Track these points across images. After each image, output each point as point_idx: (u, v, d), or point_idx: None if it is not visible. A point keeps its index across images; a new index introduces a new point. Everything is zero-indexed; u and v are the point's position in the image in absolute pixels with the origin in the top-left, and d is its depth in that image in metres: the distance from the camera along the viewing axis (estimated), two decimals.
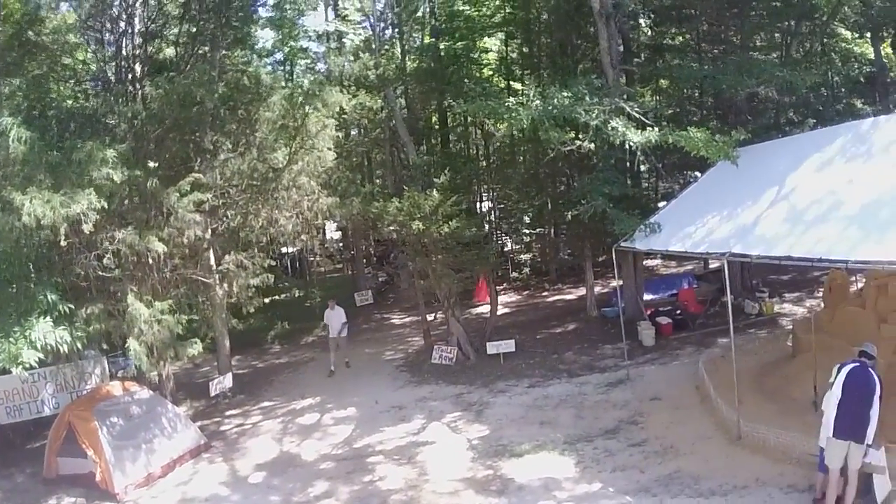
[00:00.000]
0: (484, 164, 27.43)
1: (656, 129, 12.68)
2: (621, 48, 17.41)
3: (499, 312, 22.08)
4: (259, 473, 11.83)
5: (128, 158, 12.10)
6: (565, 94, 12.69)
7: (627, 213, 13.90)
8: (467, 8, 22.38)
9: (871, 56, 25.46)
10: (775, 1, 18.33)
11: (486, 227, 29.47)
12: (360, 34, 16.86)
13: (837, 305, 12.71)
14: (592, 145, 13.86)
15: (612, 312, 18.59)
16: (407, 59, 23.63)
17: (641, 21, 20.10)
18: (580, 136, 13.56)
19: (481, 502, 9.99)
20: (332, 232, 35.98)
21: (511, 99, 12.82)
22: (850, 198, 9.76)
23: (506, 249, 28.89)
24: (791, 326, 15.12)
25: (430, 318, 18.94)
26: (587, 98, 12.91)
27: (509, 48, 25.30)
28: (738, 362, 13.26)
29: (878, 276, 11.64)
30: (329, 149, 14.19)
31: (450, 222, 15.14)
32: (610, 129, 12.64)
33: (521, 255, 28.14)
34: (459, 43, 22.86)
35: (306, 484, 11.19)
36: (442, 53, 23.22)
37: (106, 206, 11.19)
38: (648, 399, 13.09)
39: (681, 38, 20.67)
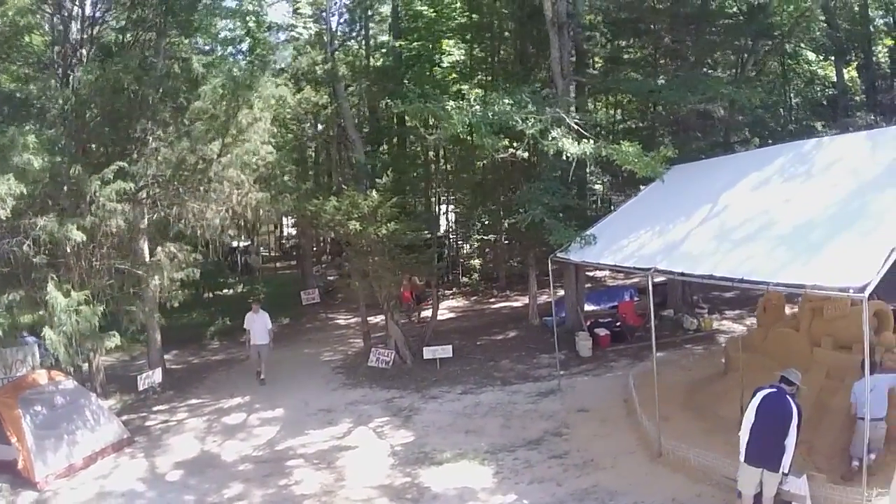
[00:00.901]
0: (436, 167, 27.28)
1: (591, 141, 12.57)
2: (574, 59, 17.36)
3: (444, 317, 22.02)
4: (177, 472, 11.56)
5: (54, 144, 11.81)
6: (507, 101, 12.57)
7: (565, 225, 13.78)
8: (425, 9, 22.18)
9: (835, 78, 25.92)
10: (731, 18, 18.45)
11: (444, 231, 29.53)
12: (310, 28, 16.56)
13: (771, 326, 12.74)
14: (527, 154, 13.79)
15: (551, 322, 18.55)
16: (371, 57, 23.53)
17: (597, 33, 20.12)
18: (515, 144, 13.41)
19: None
20: (289, 228, 35.82)
21: (451, 103, 12.66)
22: (783, 218, 9.74)
23: (459, 254, 28.84)
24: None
25: (374, 319, 18.71)
26: (529, 106, 12.80)
27: (468, 52, 25.18)
28: (669, 377, 13.40)
29: (813, 298, 11.65)
30: (264, 143, 13.88)
31: (388, 224, 14.93)
32: (549, 139, 12.55)
33: (472, 261, 28.01)
34: (416, 43, 22.65)
35: (222, 485, 10.92)
36: (403, 53, 23.11)
37: (25, 192, 10.90)
38: (576, 410, 13.00)
39: (638, 52, 20.68)
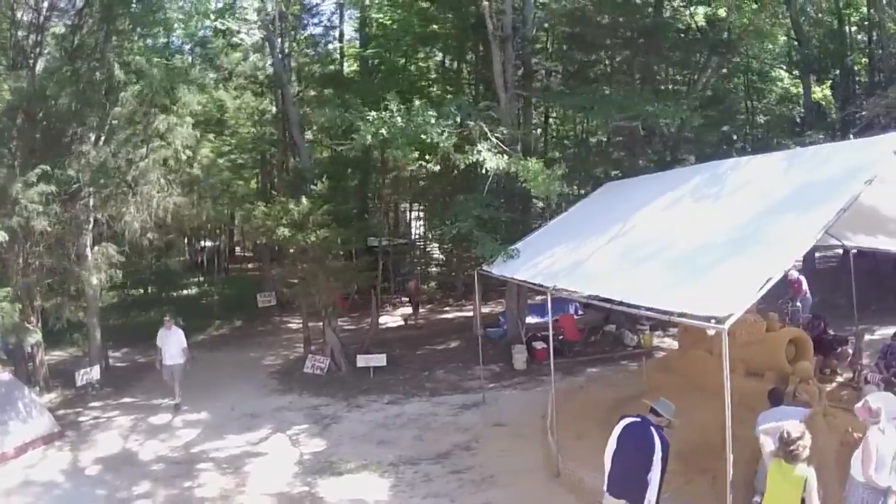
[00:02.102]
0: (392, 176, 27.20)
1: (505, 157, 12.51)
2: (522, 72, 17.33)
3: (396, 325, 22.01)
4: (96, 467, 11.80)
5: None
6: (431, 113, 12.54)
7: (492, 238, 13.71)
8: (381, 16, 22.15)
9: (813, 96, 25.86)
10: (682, 34, 18.41)
11: (412, 238, 29.53)
12: (254, 34, 16.60)
13: (690, 347, 12.63)
14: (438, 167, 13.81)
15: (495, 333, 18.52)
16: (332, 64, 23.51)
17: (548, 47, 20.14)
18: (427, 156, 13.42)
19: None
20: None
21: (373, 114, 12.63)
22: (681, 240, 9.53)
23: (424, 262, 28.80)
24: None
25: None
26: (457, 119, 12.79)
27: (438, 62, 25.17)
28: (596, 394, 13.31)
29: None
30: (187, 147, 13.94)
31: (318, 232, 14.88)
32: (474, 152, 12.54)
33: (431, 269, 27.94)
34: (372, 51, 22.66)
35: (133, 482, 11.08)
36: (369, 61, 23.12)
37: None
38: (493, 424, 12.90)
39: (586, 66, 20.59)
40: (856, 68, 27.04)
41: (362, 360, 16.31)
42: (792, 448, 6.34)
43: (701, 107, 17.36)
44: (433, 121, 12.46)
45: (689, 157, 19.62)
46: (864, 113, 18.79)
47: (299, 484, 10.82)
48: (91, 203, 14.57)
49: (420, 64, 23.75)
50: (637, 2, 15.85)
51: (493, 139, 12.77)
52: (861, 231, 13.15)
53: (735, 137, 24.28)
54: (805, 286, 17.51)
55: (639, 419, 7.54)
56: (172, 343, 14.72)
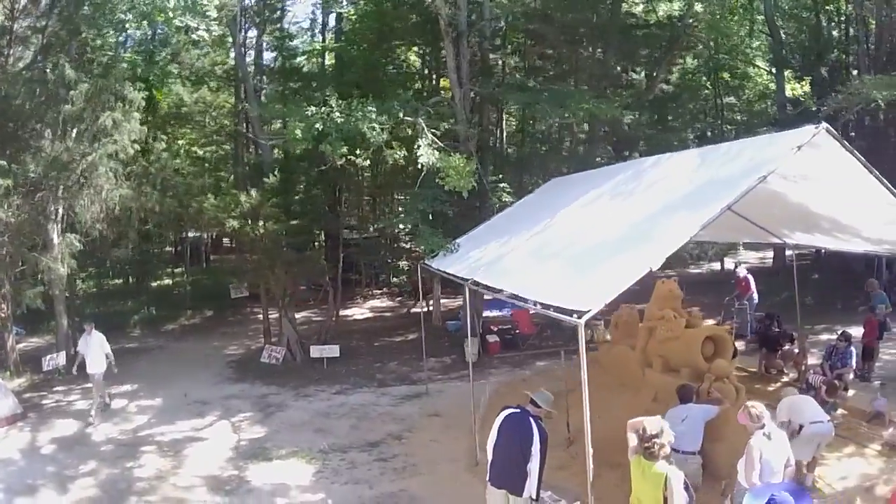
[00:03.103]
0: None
1: (437, 152, 12.68)
2: (479, 67, 17.49)
3: (361, 317, 22.29)
4: (51, 446, 12.33)
5: None
6: (371, 108, 12.73)
7: (434, 232, 13.90)
8: (348, 11, 22.31)
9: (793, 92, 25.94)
10: (639, 30, 18.51)
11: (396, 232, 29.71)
12: (214, 30, 16.82)
13: (617, 342, 12.78)
14: (368, 162, 13.99)
15: (453, 326, 18.72)
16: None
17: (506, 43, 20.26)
18: (358, 152, 13.62)
19: (206, 499, 10.11)
20: None
21: (312, 108, 12.84)
22: (587, 237, 9.66)
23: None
24: None
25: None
26: (401, 115, 12.99)
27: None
28: (536, 387, 13.43)
29: (651, 318, 11.68)
30: (134, 141, 14.33)
31: (266, 224, 15.14)
32: (416, 147, 12.74)
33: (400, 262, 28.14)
34: (335, 45, 22.82)
35: (82, 461, 11.58)
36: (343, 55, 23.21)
37: None
38: (429, 415, 13.17)
39: (544, 62, 20.75)
40: (836, 63, 26.98)
41: (316, 351, 16.62)
42: (648, 445, 6.33)
43: (657, 104, 17.52)
44: (374, 116, 12.66)
45: (635, 154, 19.69)
46: (823, 108, 18.72)
47: (230, 468, 11.13)
48: (52, 196, 14.97)
49: (387, 59, 23.82)
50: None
51: (430, 135, 12.90)
52: (798, 229, 13.22)
53: (710, 134, 24.47)
54: (752, 285, 17.62)
55: (518, 410, 7.66)
56: (94, 349, 14.08)
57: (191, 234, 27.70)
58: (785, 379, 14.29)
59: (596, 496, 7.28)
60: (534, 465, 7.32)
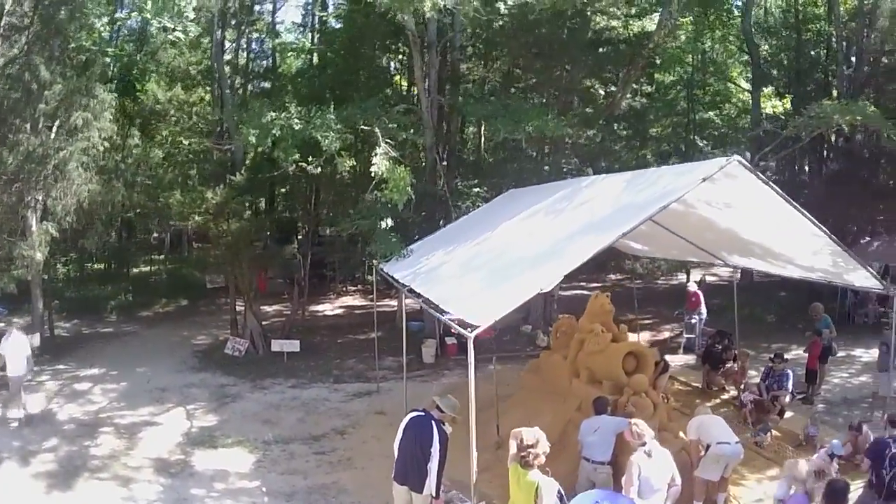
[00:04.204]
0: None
1: (388, 162, 13.14)
2: (449, 76, 17.92)
3: (332, 313, 22.80)
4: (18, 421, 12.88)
5: None
6: (331, 116, 13.19)
7: (392, 237, 14.28)
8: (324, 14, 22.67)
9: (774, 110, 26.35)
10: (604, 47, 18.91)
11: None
12: (191, 31, 17.27)
13: (557, 351, 13.18)
14: (319, 169, 14.40)
15: (416, 326, 19.14)
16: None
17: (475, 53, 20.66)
18: (310, 159, 14.07)
19: (151, 479, 10.73)
20: None
21: (272, 114, 13.30)
22: (511, 252, 10.09)
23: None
24: None
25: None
26: (359, 122, 13.41)
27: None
28: (485, 390, 13.93)
29: (582, 329, 12.13)
30: (105, 139, 14.95)
31: (230, 221, 15.65)
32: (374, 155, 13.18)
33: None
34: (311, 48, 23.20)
35: (44, 438, 12.32)
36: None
37: None
38: (375, 412, 13.68)
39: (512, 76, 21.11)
40: (818, 82, 27.43)
41: (277, 346, 17.14)
42: (524, 454, 6.67)
43: (627, 119, 17.93)
44: (332, 124, 13.12)
45: (585, 170, 20.13)
46: (782, 132, 19.16)
47: (178, 452, 11.76)
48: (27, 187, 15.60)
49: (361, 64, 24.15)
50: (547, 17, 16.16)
51: (384, 145, 13.36)
52: (734, 252, 13.72)
53: (683, 149, 24.94)
54: (702, 300, 18.07)
55: (423, 413, 8.15)
56: (15, 351, 13.15)
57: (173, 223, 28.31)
58: (725, 396, 14.74)
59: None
60: (433, 465, 7.78)
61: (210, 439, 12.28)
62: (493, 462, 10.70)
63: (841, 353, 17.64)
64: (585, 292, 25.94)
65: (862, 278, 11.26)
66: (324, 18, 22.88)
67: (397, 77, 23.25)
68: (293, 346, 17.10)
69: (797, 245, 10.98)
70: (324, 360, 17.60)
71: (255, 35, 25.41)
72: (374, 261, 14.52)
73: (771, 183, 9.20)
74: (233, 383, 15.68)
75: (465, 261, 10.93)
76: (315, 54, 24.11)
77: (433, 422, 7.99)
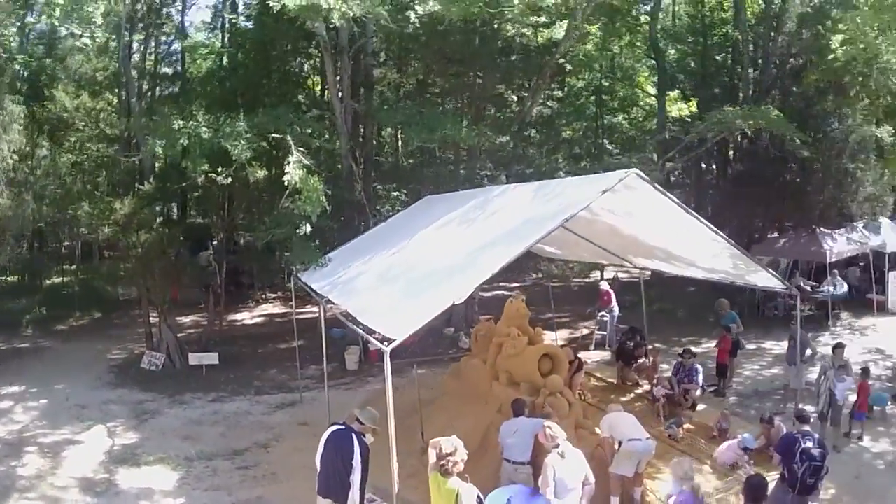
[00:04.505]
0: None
1: (302, 170, 13.21)
2: (362, 82, 18.02)
3: (250, 322, 22.70)
4: None
5: None
6: (240, 124, 13.13)
7: (309, 245, 14.31)
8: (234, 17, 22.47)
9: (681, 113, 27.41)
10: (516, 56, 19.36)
11: None
12: (98, 37, 16.96)
13: (477, 355, 13.50)
14: (230, 179, 14.37)
15: (338, 333, 19.16)
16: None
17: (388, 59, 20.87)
18: (220, 169, 14.03)
19: (78, 499, 10.66)
20: None
21: (179, 122, 13.18)
22: (425, 262, 10.25)
23: None
24: None
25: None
26: (269, 130, 13.35)
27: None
28: (406, 395, 14.08)
29: (499, 333, 12.49)
30: (14, 151, 14.63)
31: (138, 232, 15.42)
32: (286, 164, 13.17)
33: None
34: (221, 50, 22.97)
35: None
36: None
37: None
38: (298, 424, 13.69)
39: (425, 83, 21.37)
40: (726, 85, 28.63)
41: (194, 359, 16.90)
42: (443, 463, 6.89)
43: (538, 125, 18.41)
44: (242, 132, 13.06)
45: (499, 176, 20.65)
46: (686, 137, 20.06)
47: (102, 471, 11.66)
48: None
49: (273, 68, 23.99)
50: (459, 26, 16.45)
51: (296, 153, 13.37)
52: (640, 255, 14.38)
53: (594, 151, 25.75)
54: (613, 298, 18.80)
55: (343, 426, 8.30)
56: None
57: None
58: (639, 391, 15.35)
59: None
60: (356, 477, 7.96)
61: (133, 457, 12.18)
62: (419, 468, 10.86)
63: (752, 346, 18.72)
64: (506, 292, 26.55)
65: (764, 279, 11.88)
66: (233, 20, 22.52)
67: (310, 80, 23.08)
68: (211, 358, 16.89)
69: (698, 249, 11.56)
70: (244, 372, 17.45)
71: (164, 38, 25.03)
72: (293, 269, 14.48)
73: (668, 193, 9.69)
74: (151, 399, 15.43)
75: (382, 271, 11.07)
76: (225, 56, 23.83)
77: (353, 434, 8.14)
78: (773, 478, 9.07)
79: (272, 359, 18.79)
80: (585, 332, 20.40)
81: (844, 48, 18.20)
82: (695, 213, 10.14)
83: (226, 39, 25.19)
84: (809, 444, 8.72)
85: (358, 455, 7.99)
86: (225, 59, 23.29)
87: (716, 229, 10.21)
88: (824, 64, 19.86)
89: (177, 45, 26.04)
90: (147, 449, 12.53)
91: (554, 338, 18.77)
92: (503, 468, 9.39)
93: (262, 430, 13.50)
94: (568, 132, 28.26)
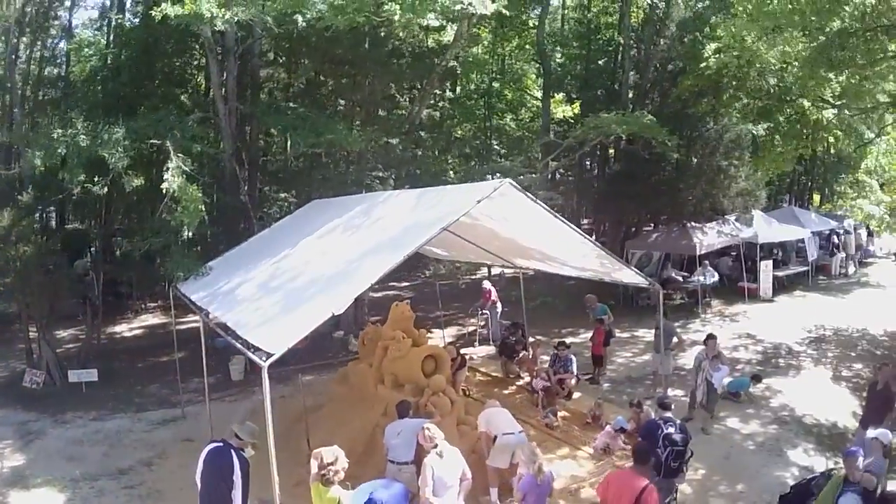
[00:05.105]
0: None
1: (180, 177, 13.03)
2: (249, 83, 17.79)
3: (129, 334, 22.11)
4: None
5: None
6: (118, 130, 12.79)
7: (186, 255, 14.06)
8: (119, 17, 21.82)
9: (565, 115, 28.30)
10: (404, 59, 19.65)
11: None
12: None
13: (364, 360, 13.69)
14: (105, 189, 14.05)
15: (221, 343, 18.78)
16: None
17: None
18: (96, 178, 13.71)
19: None
20: None
21: (59, 131, 12.76)
22: (307, 272, 10.34)
23: None
24: None
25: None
26: (148, 135, 13.06)
27: None
28: (291, 404, 14.12)
29: (385, 336, 12.73)
30: None
31: (17, 246, 14.82)
32: (166, 170, 12.92)
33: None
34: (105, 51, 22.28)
35: None
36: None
37: None
38: (182, 440, 13.45)
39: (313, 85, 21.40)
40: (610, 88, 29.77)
41: (74, 376, 16.27)
42: (324, 472, 7.15)
43: (422, 128, 18.67)
44: (120, 138, 12.73)
45: (387, 179, 20.98)
46: (563, 142, 20.88)
47: None
48: None
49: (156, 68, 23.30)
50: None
51: (175, 160, 13.13)
52: (519, 257, 15.01)
53: (483, 152, 26.35)
54: (494, 296, 19.49)
55: (221, 443, 8.29)
56: None
57: None
58: (521, 383, 16.02)
59: None
60: (237, 493, 8.00)
61: (22, 479, 11.81)
62: (306, 476, 10.97)
63: (625, 335, 19.78)
64: (396, 292, 26.86)
65: (629, 275, 12.69)
66: (119, 20, 21.75)
67: (195, 80, 22.51)
68: (91, 375, 16.28)
69: (568, 250, 12.21)
70: (124, 388, 16.91)
71: (50, 40, 23.93)
72: (172, 279, 14.21)
73: (538, 200, 10.31)
74: (35, 419, 14.79)
75: (264, 281, 11.04)
76: (109, 56, 23.05)
77: (232, 450, 8.15)
78: None
79: (153, 373, 18.21)
80: (472, 328, 20.90)
81: (717, 56, 19.39)
82: (563, 219, 10.83)
83: (111, 39, 24.31)
84: (671, 430, 9.40)
85: (238, 470, 8.02)
86: (109, 59, 22.49)
87: (582, 232, 10.88)
88: (698, 70, 20.97)
89: (63, 45, 24.96)
90: (34, 471, 12.13)
91: (442, 335, 19.27)
92: (388, 469, 9.61)
93: (145, 448, 13.19)
94: (459, 133, 28.77)
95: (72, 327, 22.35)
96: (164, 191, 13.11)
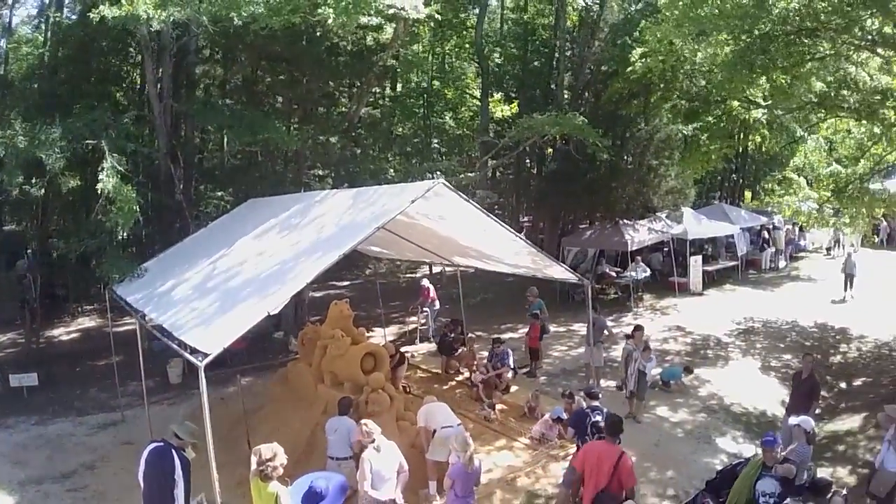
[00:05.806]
0: None
1: (114, 178, 12.98)
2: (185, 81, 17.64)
3: (67, 338, 21.65)
4: None
5: None
6: (55, 130, 12.68)
7: (122, 256, 13.94)
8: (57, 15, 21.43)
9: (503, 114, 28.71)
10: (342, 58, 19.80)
11: None
12: None
13: (303, 359, 13.78)
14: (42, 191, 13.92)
15: (159, 345, 18.59)
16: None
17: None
18: (34, 179, 13.58)
19: None
20: None
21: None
22: (243, 272, 10.38)
23: None
24: None
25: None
26: (84, 135, 12.94)
27: None
28: (230, 407, 14.08)
29: (324, 335, 12.86)
30: None
31: None
32: (102, 169, 12.82)
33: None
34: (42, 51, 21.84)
35: None
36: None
37: None
38: (122, 443, 13.40)
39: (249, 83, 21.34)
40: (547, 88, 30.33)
41: (15, 380, 16.00)
42: (262, 468, 7.23)
43: (361, 127, 18.75)
44: (58, 139, 12.60)
45: (326, 179, 21.09)
46: (500, 141, 21.32)
47: None
48: None
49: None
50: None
51: (111, 160, 13.06)
52: (456, 255, 15.34)
53: (422, 149, 26.59)
54: (433, 293, 19.85)
55: (162, 443, 8.37)
56: None
57: None
58: (460, 378, 16.40)
59: None
60: (179, 492, 8.12)
61: None
62: (246, 476, 11.08)
63: (561, 329, 20.29)
64: (336, 291, 26.91)
65: (559, 272, 13.14)
66: (56, 18, 21.30)
67: (131, 78, 22.20)
68: (31, 379, 16.02)
69: (502, 247, 12.59)
70: (64, 392, 16.69)
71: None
72: (108, 281, 14.09)
73: (471, 200, 10.65)
74: None
75: (200, 282, 11.08)
76: (46, 54, 22.58)
77: (173, 450, 8.25)
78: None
79: (92, 376, 17.96)
80: (412, 326, 21.17)
81: (643, 60, 20.00)
82: (495, 218, 11.18)
83: (48, 36, 23.81)
84: (598, 418, 9.89)
85: (179, 469, 8.14)
86: (46, 58, 22.03)
87: (514, 231, 11.23)
88: (626, 74, 21.62)
89: (3, 44, 24.27)
90: None
91: (383, 333, 19.46)
92: (327, 465, 9.79)
93: (87, 452, 13.14)
94: (399, 131, 28.98)
95: (10, 331, 21.90)
96: (98, 191, 12.98)
